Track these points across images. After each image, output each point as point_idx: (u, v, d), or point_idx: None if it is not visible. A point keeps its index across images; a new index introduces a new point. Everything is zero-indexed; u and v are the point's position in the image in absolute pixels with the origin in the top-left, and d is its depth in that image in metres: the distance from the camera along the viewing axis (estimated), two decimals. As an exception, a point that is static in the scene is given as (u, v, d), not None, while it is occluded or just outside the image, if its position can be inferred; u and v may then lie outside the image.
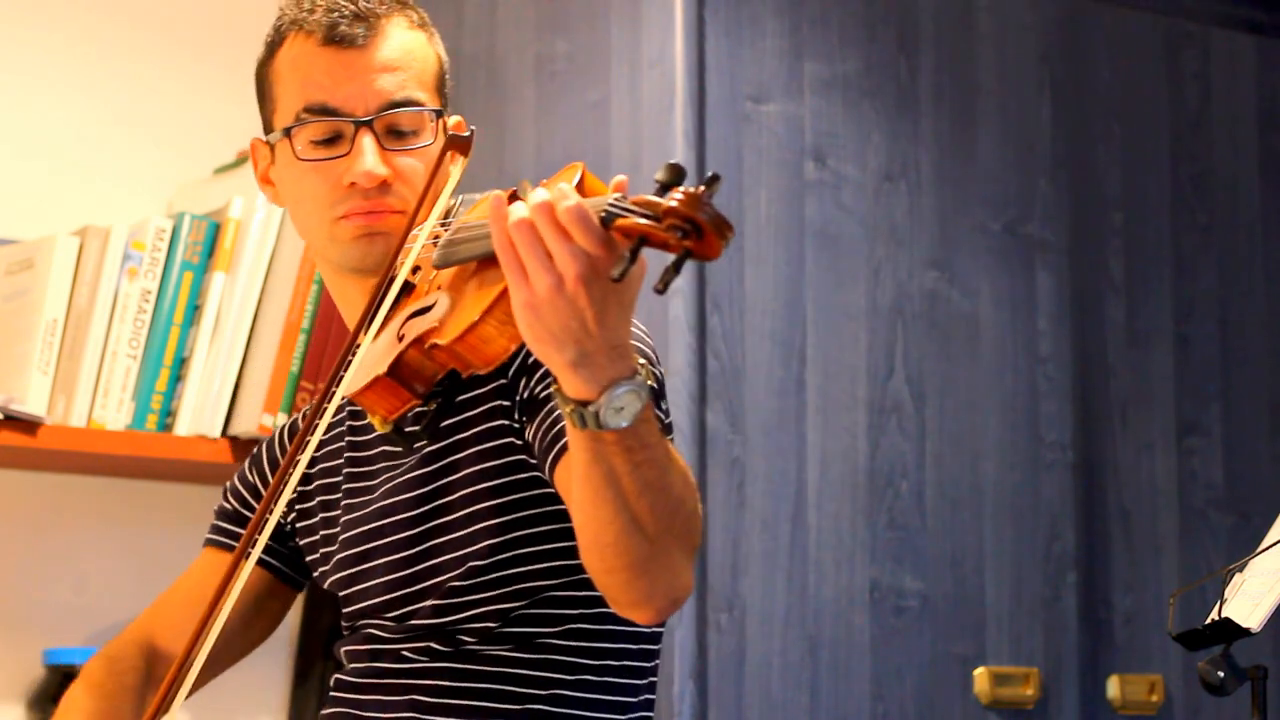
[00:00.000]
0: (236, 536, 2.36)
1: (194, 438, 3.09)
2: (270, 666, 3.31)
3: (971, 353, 3.29)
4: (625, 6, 3.17)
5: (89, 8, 3.34)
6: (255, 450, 2.43)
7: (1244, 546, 3.18)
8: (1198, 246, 3.51)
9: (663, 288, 1.69)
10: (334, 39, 2.14)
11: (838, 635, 3.11)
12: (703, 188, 1.69)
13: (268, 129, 2.22)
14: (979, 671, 3.22)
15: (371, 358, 1.99)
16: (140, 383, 3.08)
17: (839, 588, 3.12)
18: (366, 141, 2.13)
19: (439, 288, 2.01)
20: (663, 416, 2.08)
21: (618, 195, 1.75)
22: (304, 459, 2.07)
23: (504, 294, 1.83)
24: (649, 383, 1.81)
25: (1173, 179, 3.51)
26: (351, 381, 1.99)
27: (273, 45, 2.20)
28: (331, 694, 2.23)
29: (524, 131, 3.32)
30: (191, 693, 2.33)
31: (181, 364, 3.11)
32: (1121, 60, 3.48)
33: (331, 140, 2.15)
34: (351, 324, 2.21)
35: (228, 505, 2.40)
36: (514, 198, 1.96)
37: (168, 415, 3.10)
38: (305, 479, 2.31)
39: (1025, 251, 3.35)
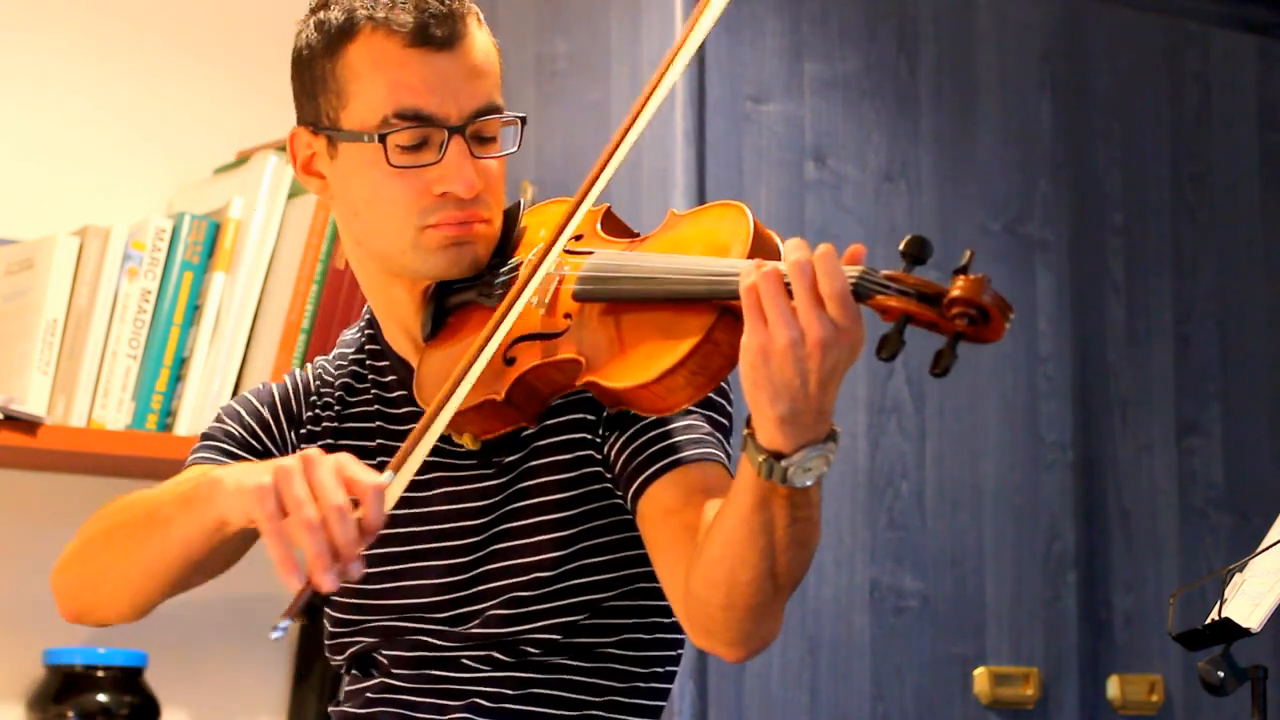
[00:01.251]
0: (235, 458, 2.19)
1: (194, 438, 3.08)
2: (270, 666, 3.31)
3: (972, 353, 3.28)
4: (625, 6, 3.17)
5: (89, 8, 3.34)
6: (262, 389, 2.26)
7: (1244, 546, 3.18)
8: (1198, 246, 3.51)
9: (941, 372, 1.75)
10: (423, 40, 2.06)
11: (838, 635, 3.11)
12: (983, 275, 1.75)
13: (322, 122, 2.11)
14: (979, 671, 3.22)
15: (475, 377, 1.93)
16: (140, 383, 3.08)
17: (839, 588, 3.12)
18: (460, 150, 2.06)
19: (566, 315, 1.98)
20: (722, 439, 2.11)
21: (862, 269, 1.78)
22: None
23: (698, 347, 1.86)
24: (835, 447, 1.83)
25: (1173, 179, 3.51)
26: (446, 400, 1.92)
27: (340, 36, 2.09)
28: (367, 696, 2.17)
29: (524, 131, 3.31)
30: (150, 609, 2.18)
31: (181, 364, 3.11)
32: (1121, 60, 3.48)
33: (419, 147, 2.07)
34: (399, 327, 2.15)
35: (232, 428, 2.23)
36: (608, 222, 2.00)
37: (168, 415, 3.10)
38: (333, 447, 2.17)
39: (1025, 251, 3.35)
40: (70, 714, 3.04)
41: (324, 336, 3.12)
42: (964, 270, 1.75)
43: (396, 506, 2.08)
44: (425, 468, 2.13)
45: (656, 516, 2.01)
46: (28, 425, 3.00)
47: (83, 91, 3.32)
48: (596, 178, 1.99)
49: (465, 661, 2.12)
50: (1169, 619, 2.47)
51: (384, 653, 2.18)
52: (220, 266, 3.13)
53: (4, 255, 3.16)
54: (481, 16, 2.14)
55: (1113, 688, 3.32)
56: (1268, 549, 2.41)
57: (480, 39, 2.10)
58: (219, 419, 2.26)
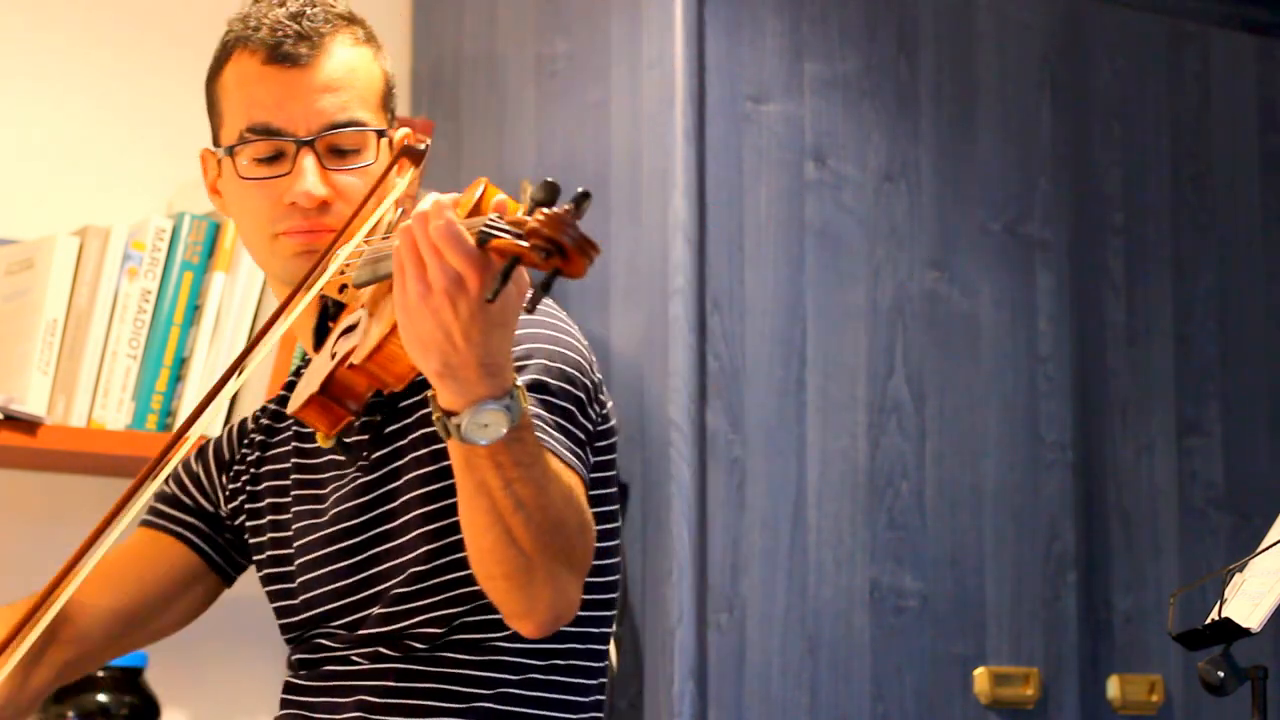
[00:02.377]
0: (168, 518, 2.39)
1: (194, 438, 3.09)
2: (270, 666, 3.31)
3: (971, 353, 3.29)
4: (625, 6, 3.17)
5: (89, 8, 3.34)
6: (205, 443, 2.44)
7: (1244, 546, 3.18)
8: (1198, 246, 3.51)
9: (530, 308, 1.71)
10: (277, 58, 2.16)
11: (838, 635, 3.11)
12: (568, 206, 1.69)
13: (215, 141, 2.25)
14: (979, 671, 3.22)
15: (311, 375, 2.00)
16: (140, 383, 3.08)
17: (839, 588, 3.12)
18: (308, 162, 2.15)
19: (361, 305, 2.01)
20: (589, 426, 2.10)
21: (495, 215, 1.74)
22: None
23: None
24: (525, 405, 1.82)
25: (1173, 179, 3.51)
26: (294, 400, 2.00)
27: (220, 60, 2.23)
28: (282, 697, 2.26)
29: (524, 131, 3.32)
30: (96, 666, 2.39)
31: (181, 364, 3.11)
32: (1121, 60, 3.48)
33: (274, 159, 2.17)
34: (302, 336, 2.24)
35: (167, 490, 2.41)
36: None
37: (168, 415, 3.10)
38: (255, 479, 2.34)
39: (1025, 251, 3.35)
40: (70, 714, 3.04)
41: (324, 336, 3.12)
42: (549, 204, 1.70)
43: (300, 506, 2.24)
44: (319, 469, 2.25)
45: None
46: (28, 425, 3.00)
47: (83, 91, 3.32)
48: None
49: (354, 659, 2.17)
50: (1169, 619, 2.48)
51: (295, 655, 2.26)
52: (220, 266, 3.13)
53: (4, 255, 3.16)
54: (365, 35, 2.22)
55: (1113, 688, 3.32)
56: (1268, 549, 2.41)
57: (345, 56, 2.18)
58: (165, 481, 2.40)
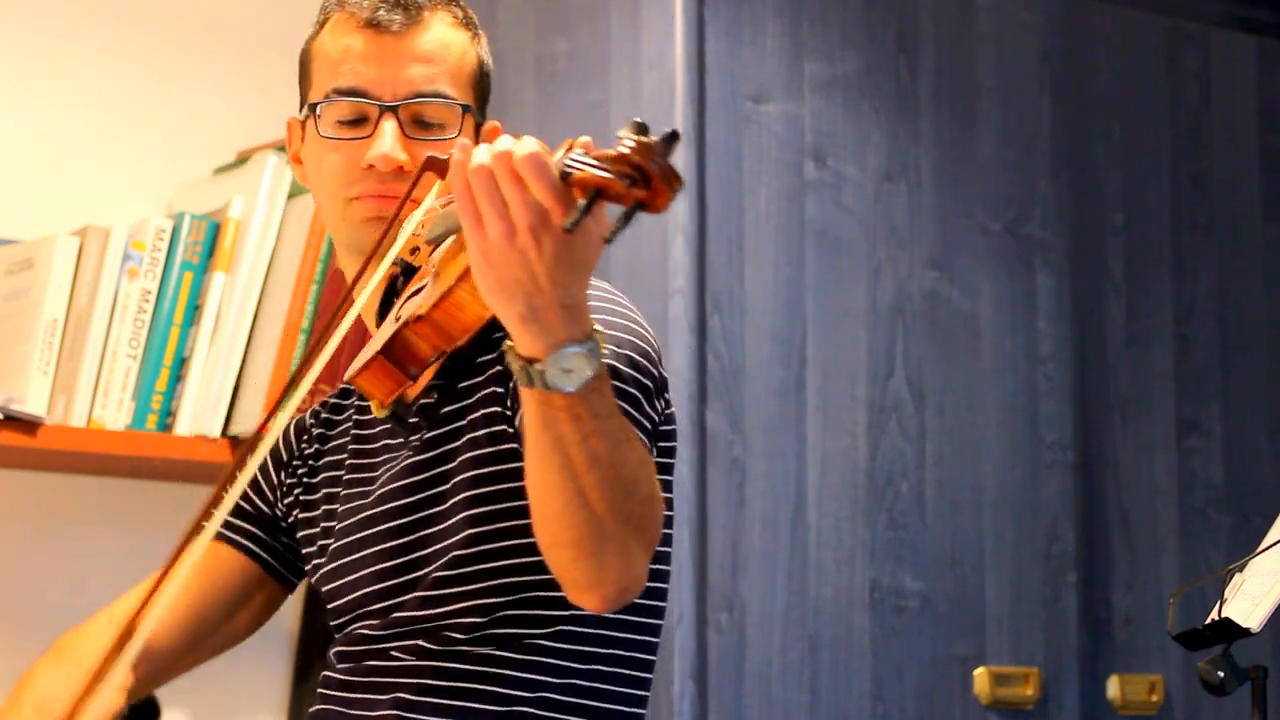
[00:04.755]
0: (229, 525, 2.33)
1: (194, 438, 3.09)
2: (270, 666, 3.31)
3: (971, 353, 3.29)
4: (625, 6, 3.17)
5: (89, 8, 3.34)
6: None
7: (1244, 546, 3.18)
8: (1198, 246, 3.51)
9: (609, 237, 1.68)
10: (373, 24, 2.15)
11: (838, 635, 3.11)
12: (656, 138, 1.67)
13: (304, 108, 2.23)
14: (979, 671, 3.22)
15: (373, 341, 1.95)
16: (140, 383, 3.08)
17: (839, 588, 3.12)
18: (389, 126, 2.13)
19: (430, 272, 1.98)
20: (655, 417, 2.07)
21: (579, 150, 1.72)
22: (270, 438, 2.02)
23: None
24: (604, 355, 1.78)
25: (1173, 179, 3.51)
26: (353, 365, 1.95)
27: (318, 27, 2.21)
28: (319, 691, 2.21)
29: (524, 131, 3.28)
30: (170, 678, 2.35)
31: (181, 364, 3.11)
32: (1121, 60, 3.49)
33: (357, 122, 2.16)
34: (366, 312, 2.18)
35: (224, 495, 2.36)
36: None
37: (168, 415, 3.10)
38: (312, 471, 2.30)
39: (1025, 251, 3.35)
40: (70, 714, 3.03)
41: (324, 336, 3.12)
42: (644, 132, 1.68)
43: (349, 490, 2.19)
44: (374, 451, 2.19)
45: None
46: (28, 425, 3.00)
47: (83, 91, 3.32)
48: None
49: (393, 653, 2.13)
50: (1169, 619, 2.48)
51: (337, 647, 2.21)
52: (220, 266, 3.13)
53: (4, 255, 3.16)
54: (464, 19, 2.21)
55: (1113, 688, 3.32)
56: (1268, 549, 2.41)
57: (441, 32, 2.18)
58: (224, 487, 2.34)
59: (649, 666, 2.16)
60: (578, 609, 2.06)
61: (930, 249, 3.26)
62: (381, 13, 2.15)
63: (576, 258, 1.73)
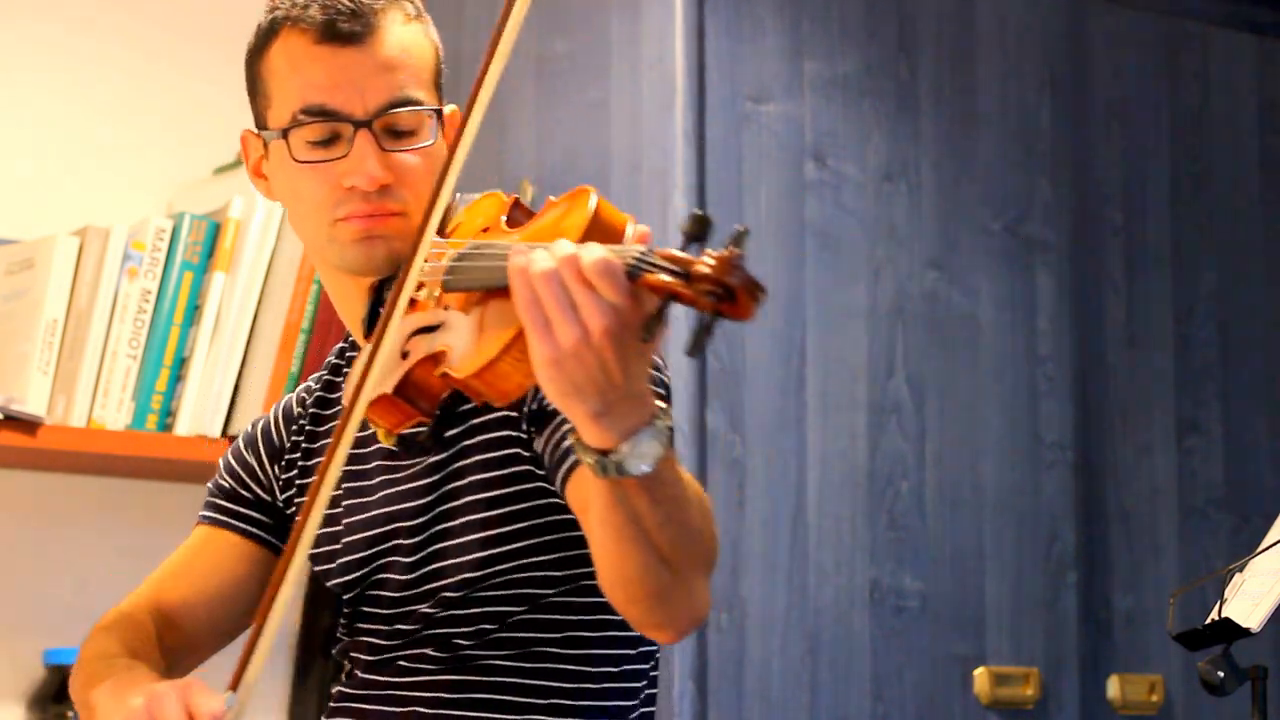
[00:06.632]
0: (230, 513, 2.31)
1: (194, 438, 3.09)
2: (270, 666, 3.31)
3: (971, 353, 3.29)
4: (625, 6, 3.17)
5: (90, 7, 3.34)
6: (249, 430, 2.36)
7: (1244, 546, 3.18)
8: (1198, 246, 3.51)
9: (696, 351, 1.67)
10: (330, 37, 2.09)
11: (838, 635, 3.11)
12: (734, 249, 1.65)
13: (260, 123, 2.17)
14: (979, 671, 3.22)
15: (377, 373, 1.94)
16: (140, 383, 3.08)
17: (839, 588, 3.12)
18: (366, 143, 2.08)
19: (445, 307, 1.96)
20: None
21: (644, 248, 1.71)
22: (339, 459, 2.00)
23: (521, 334, 1.77)
24: (668, 424, 1.78)
25: (1172, 179, 3.51)
26: (349, 391, 1.94)
27: (264, 38, 2.14)
28: (333, 705, 2.21)
29: (524, 131, 3.32)
30: (201, 653, 2.32)
31: (181, 364, 3.11)
32: (1121, 60, 3.48)
33: (329, 141, 2.10)
34: (351, 324, 2.18)
35: (224, 483, 2.33)
36: (514, 212, 1.92)
37: (168, 415, 3.10)
38: (304, 471, 2.28)
39: (1025, 251, 3.35)
40: (70, 714, 3.04)
41: (324, 336, 3.12)
42: (702, 239, 1.67)
43: (348, 499, 2.18)
44: (367, 459, 2.19)
45: (579, 509, 1.98)
46: (28, 425, 3.00)
47: (82, 90, 3.32)
48: (449, 165, 1.97)
49: (402, 664, 2.13)
50: (1169, 619, 2.48)
51: (350, 654, 2.22)
52: (220, 266, 3.13)
53: (4, 255, 3.16)
54: (413, 12, 2.15)
55: (1113, 688, 3.32)
56: (1268, 549, 2.41)
57: (397, 34, 2.12)
58: (217, 472, 2.35)
59: (653, 656, 2.17)
60: (588, 614, 2.10)
61: (930, 249, 3.26)
62: (340, 24, 2.09)
63: (646, 351, 1.73)
